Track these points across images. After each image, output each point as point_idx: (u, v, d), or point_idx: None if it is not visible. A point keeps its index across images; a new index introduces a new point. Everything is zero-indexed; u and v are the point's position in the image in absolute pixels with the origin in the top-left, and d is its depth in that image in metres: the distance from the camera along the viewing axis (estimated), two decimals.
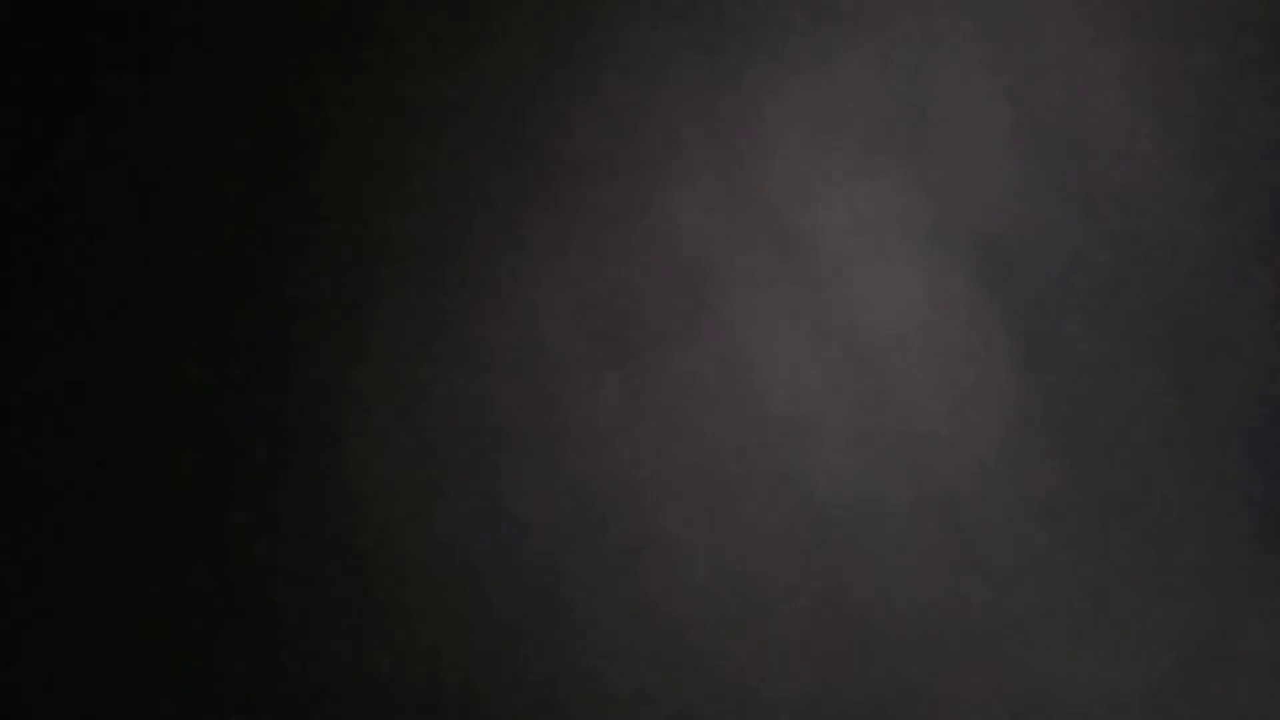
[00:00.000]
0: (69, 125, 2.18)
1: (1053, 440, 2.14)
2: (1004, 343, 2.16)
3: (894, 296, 2.18)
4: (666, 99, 2.22)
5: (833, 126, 2.22)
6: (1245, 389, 2.16)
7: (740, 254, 2.18)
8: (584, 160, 2.20)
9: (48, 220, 2.15)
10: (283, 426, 2.11)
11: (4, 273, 2.14)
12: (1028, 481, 2.13)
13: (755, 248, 2.18)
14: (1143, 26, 2.23)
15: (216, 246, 2.16)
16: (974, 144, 2.21)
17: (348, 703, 2.07)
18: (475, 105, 2.20)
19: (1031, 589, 2.11)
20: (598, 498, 2.12)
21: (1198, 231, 2.20)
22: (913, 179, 2.20)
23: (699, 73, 2.22)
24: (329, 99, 2.20)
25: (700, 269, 2.18)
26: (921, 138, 2.21)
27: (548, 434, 2.13)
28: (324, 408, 2.12)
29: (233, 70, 2.19)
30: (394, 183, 2.18)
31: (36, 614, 2.07)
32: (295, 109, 2.19)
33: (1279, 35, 2.24)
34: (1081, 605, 2.11)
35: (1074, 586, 2.11)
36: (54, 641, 2.06)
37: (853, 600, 2.10)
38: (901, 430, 2.14)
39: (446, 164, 2.19)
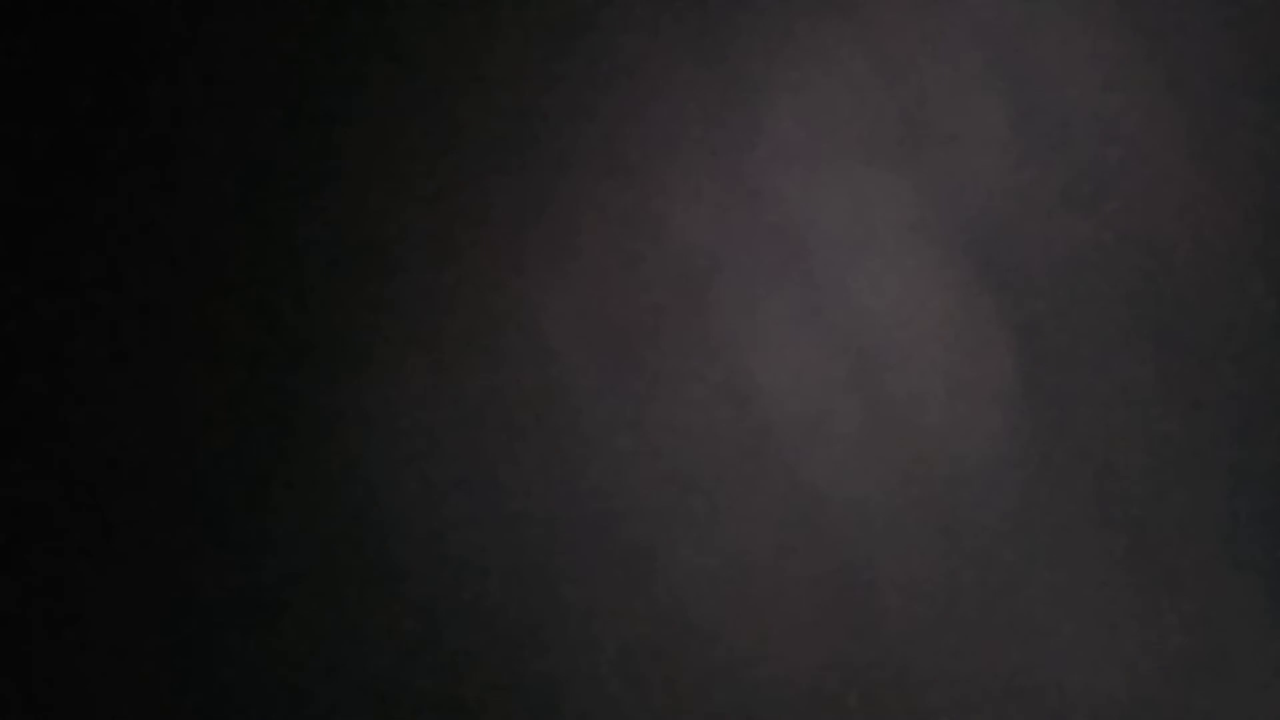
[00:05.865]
0: (69, 127, 2.18)
1: (1051, 437, 2.14)
2: (1003, 340, 2.16)
3: (893, 296, 2.18)
4: (667, 102, 2.22)
5: (832, 127, 2.22)
6: (1244, 387, 2.16)
7: (741, 254, 2.19)
8: (586, 163, 2.20)
9: (51, 221, 2.16)
10: (287, 428, 2.11)
11: (7, 271, 2.14)
12: (1026, 477, 2.13)
13: (756, 248, 2.19)
14: (1139, 25, 2.24)
15: (221, 247, 2.16)
16: (972, 144, 2.21)
17: (350, 701, 2.06)
18: (479, 109, 2.21)
19: (1030, 585, 2.11)
20: (600, 495, 2.12)
21: (1194, 229, 2.20)
22: (912, 178, 2.21)
23: (699, 76, 2.23)
24: (335, 105, 2.20)
25: (701, 269, 2.18)
26: (920, 137, 2.22)
27: (551, 433, 2.13)
28: (328, 408, 2.12)
29: (240, 75, 2.20)
30: (400, 186, 2.19)
31: (38, 617, 2.06)
32: (301, 112, 2.20)
33: (1275, 34, 2.25)
34: (1080, 601, 2.11)
35: (1073, 582, 2.11)
36: (58, 643, 2.06)
37: (853, 596, 2.10)
38: (901, 427, 2.14)
39: (451, 167, 2.19)
